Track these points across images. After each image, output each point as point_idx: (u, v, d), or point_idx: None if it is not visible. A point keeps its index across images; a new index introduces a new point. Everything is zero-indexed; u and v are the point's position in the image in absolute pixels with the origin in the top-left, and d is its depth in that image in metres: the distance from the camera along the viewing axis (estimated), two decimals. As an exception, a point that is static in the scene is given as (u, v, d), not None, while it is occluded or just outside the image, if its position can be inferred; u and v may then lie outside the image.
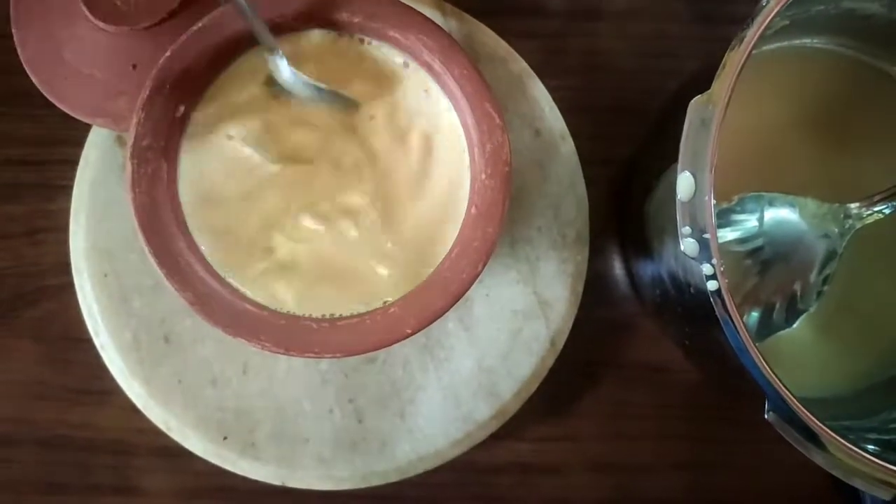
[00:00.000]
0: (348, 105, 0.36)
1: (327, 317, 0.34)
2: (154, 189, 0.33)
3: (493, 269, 0.43)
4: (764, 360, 0.31)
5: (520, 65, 0.44)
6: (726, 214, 0.42)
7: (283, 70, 0.35)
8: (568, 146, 0.44)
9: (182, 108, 0.34)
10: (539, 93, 0.44)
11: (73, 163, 0.43)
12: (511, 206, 0.35)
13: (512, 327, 0.43)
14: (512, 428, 0.43)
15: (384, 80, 0.36)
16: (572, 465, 0.45)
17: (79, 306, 0.42)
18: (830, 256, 0.41)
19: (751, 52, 0.31)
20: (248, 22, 0.33)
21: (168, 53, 0.33)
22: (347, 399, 0.42)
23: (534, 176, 0.44)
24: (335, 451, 0.42)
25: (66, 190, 0.43)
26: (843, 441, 0.31)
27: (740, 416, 0.44)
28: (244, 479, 0.42)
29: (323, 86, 0.36)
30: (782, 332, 0.41)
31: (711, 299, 0.31)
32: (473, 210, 0.35)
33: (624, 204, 0.46)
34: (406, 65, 0.36)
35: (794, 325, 0.41)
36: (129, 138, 0.33)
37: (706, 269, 0.31)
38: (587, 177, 0.44)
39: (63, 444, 0.44)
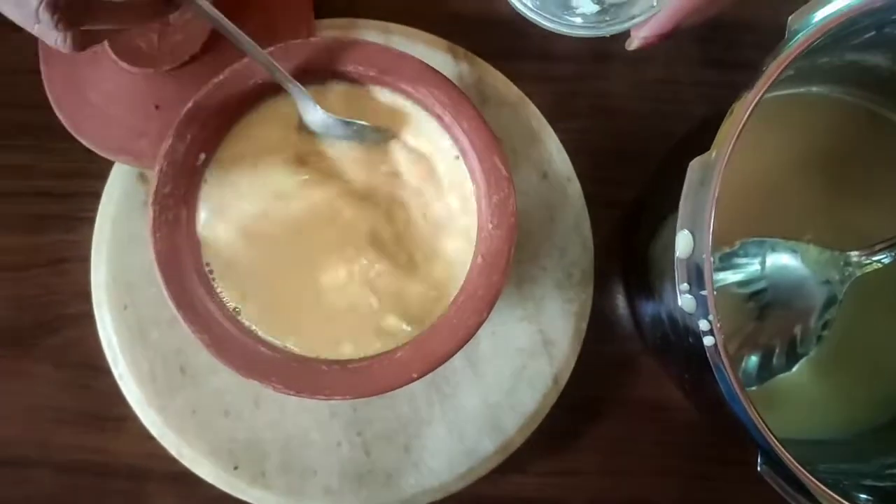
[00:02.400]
0: (383, 137, 0.38)
1: (338, 359, 0.36)
2: (174, 234, 0.35)
3: (499, 307, 0.44)
4: (757, 411, 0.32)
5: (529, 108, 0.45)
6: (729, 258, 0.43)
7: (315, 112, 0.36)
8: (574, 188, 0.45)
9: (203, 156, 0.36)
10: (547, 136, 0.45)
11: (96, 195, 0.45)
12: (518, 245, 0.36)
13: (516, 364, 0.44)
14: (515, 462, 0.44)
15: (398, 129, 0.38)
16: (574, 500, 0.46)
17: (98, 335, 0.44)
18: (831, 302, 0.42)
19: (748, 117, 0.32)
20: (271, 74, 0.34)
21: (190, 105, 0.35)
22: (355, 432, 0.43)
23: (540, 217, 0.45)
24: (342, 483, 0.43)
25: (89, 221, 0.45)
26: (834, 495, 0.32)
27: (739, 455, 0.45)
28: (254, 507, 0.43)
29: (356, 120, 0.37)
30: (782, 376, 0.42)
31: (707, 353, 0.32)
32: (480, 259, 0.36)
33: (628, 246, 0.47)
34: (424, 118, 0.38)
35: (794, 369, 0.42)
36: (151, 185, 0.35)
37: (703, 324, 0.32)
38: (593, 218, 0.45)
39: (79, 468, 0.45)
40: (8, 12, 0.29)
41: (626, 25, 0.39)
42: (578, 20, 0.40)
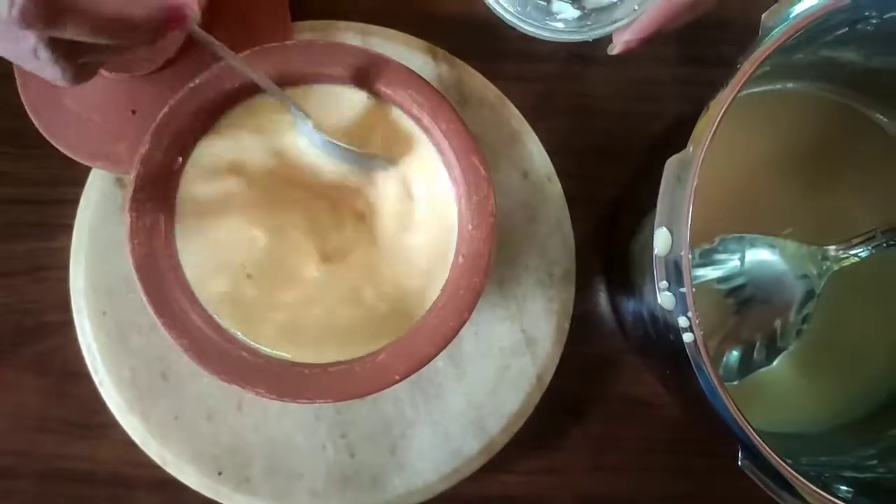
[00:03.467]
0: (377, 165, 0.38)
1: (319, 363, 0.36)
2: (152, 240, 0.34)
3: (481, 307, 0.44)
4: (738, 407, 0.32)
5: (509, 108, 0.45)
6: (708, 254, 0.43)
7: (314, 136, 0.36)
8: (555, 187, 0.45)
9: (180, 160, 0.36)
10: (527, 136, 0.45)
11: (73, 202, 0.44)
12: (499, 245, 0.37)
13: (500, 364, 0.44)
14: (500, 461, 0.44)
15: (377, 131, 0.38)
16: (559, 498, 0.46)
17: (79, 342, 0.44)
18: (809, 296, 0.42)
19: (724, 114, 0.32)
20: (255, 82, 0.34)
21: (166, 109, 0.35)
22: (340, 434, 0.43)
23: (521, 216, 0.45)
24: (328, 486, 0.43)
25: (67, 228, 0.44)
26: (815, 488, 0.32)
27: (721, 450, 0.45)
28: (239, 512, 0.43)
29: (356, 149, 0.37)
30: (762, 370, 0.42)
31: (687, 350, 0.32)
32: (460, 259, 0.36)
33: (609, 243, 0.47)
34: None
35: (774, 363, 0.42)
36: (128, 191, 0.34)
37: (682, 321, 0.32)
38: (574, 216, 0.45)
39: (62, 477, 0.45)
40: (6, 44, 0.28)
41: (608, 29, 0.39)
42: (560, 25, 0.40)
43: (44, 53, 0.28)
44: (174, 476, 0.43)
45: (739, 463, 0.32)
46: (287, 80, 0.36)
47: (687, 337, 0.32)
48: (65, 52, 0.28)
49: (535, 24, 0.40)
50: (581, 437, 0.47)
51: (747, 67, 0.32)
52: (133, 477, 0.45)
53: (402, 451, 0.43)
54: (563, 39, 0.40)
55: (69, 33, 0.27)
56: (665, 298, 0.32)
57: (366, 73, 0.36)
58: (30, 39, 0.27)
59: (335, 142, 0.36)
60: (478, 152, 0.35)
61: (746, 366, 0.42)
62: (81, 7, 0.26)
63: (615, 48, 0.39)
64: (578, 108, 0.47)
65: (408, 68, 0.36)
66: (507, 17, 0.39)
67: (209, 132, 0.37)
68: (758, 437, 0.32)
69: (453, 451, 0.43)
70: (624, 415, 0.47)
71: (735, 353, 0.43)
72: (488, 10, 0.39)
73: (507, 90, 0.46)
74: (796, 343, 0.42)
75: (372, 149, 0.38)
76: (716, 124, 0.32)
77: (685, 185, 0.32)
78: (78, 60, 0.29)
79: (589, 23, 0.40)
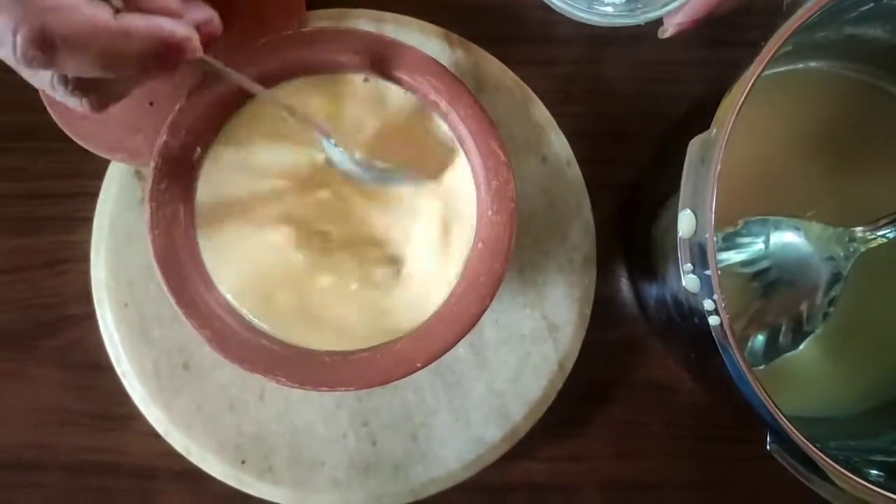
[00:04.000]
0: (414, 183, 0.37)
1: (340, 350, 0.36)
2: (172, 231, 0.34)
3: (501, 294, 0.43)
4: (765, 390, 0.32)
5: (526, 93, 0.45)
6: (732, 238, 0.43)
7: (338, 157, 0.36)
8: (574, 171, 0.45)
9: (198, 150, 0.36)
10: (545, 120, 0.45)
11: (93, 195, 0.45)
12: (519, 231, 0.36)
13: (521, 351, 0.44)
14: (523, 449, 0.44)
15: (395, 118, 0.38)
16: (582, 485, 0.46)
17: (101, 335, 0.44)
18: (836, 279, 0.41)
19: (748, 95, 0.31)
20: (292, 116, 0.34)
21: (183, 100, 0.34)
22: (361, 423, 0.43)
23: (541, 202, 0.44)
24: (350, 474, 0.43)
25: (87, 221, 0.44)
26: (844, 472, 0.31)
27: (747, 435, 0.45)
28: (262, 501, 0.43)
29: (381, 165, 0.37)
30: (789, 354, 0.42)
31: (713, 333, 0.32)
32: (480, 245, 0.35)
33: (630, 228, 0.46)
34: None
35: (801, 347, 0.42)
36: (147, 182, 0.34)
37: (707, 304, 0.32)
38: (593, 201, 0.45)
39: (87, 469, 0.45)
40: (28, 77, 0.30)
41: (659, 12, 0.38)
42: (609, 9, 0.40)
43: (59, 87, 0.29)
44: (198, 466, 0.43)
45: (768, 447, 0.32)
46: (302, 69, 0.36)
47: (713, 320, 0.31)
48: (76, 85, 0.30)
49: (585, 9, 0.39)
50: (604, 424, 0.46)
51: (771, 45, 0.32)
52: (157, 468, 0.45)
53: (423, 439, 0.43)
54: (613, 24, 0.39)
55: (70, 69, 0.28)
56: (690, 281, 0.32)
57: (382, 60, 0.36)
58: (45, 74, 0.29)
59: (357, 161, 0.36)
60: (497, 137, 0.35)
61: (772, 350, 0.42)
62: (71, 45, 0.27)
63: (667, 31, 0.38)
64: (596, 91, 0.47)
65: (425, 54, 0.36)
66: (557, 2, 0.39)
67: (228, 122, 0.37)
68: (787, 421, 0.31)
69: (475, 439, 0.43)
70: (647, 400, 0.46)
71: (760, 338, 0.42)
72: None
73: (525, 75, 0.45)
74: (823, 327, 0.42)
75: (392, 149, 0.37)
76: (739, 105, 0.31)
77: (709, 166, 0.31)
78: (91, 92, 0.30)
79: (639, 6, 0.39)
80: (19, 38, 0.26)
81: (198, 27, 0.31)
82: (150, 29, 0.29)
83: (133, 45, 0.28)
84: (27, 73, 0.29)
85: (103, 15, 0.28)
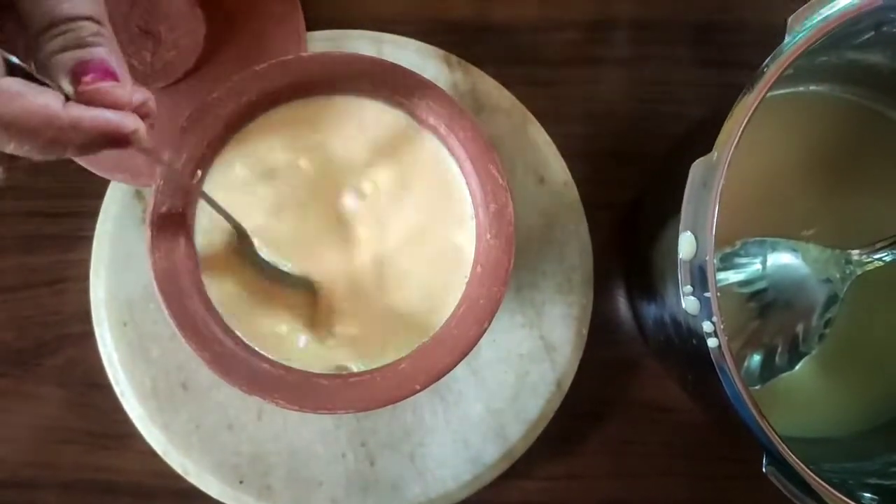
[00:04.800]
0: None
1: (338, 374, 0.36)
2: (172, 253, 0.35)
3: (499, 314, 0.43)
4: (762, 413, 0.32)
5: (524, 113, 0.45)
6: (730, 258, 0.43)
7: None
8: (571, 192, 0.45)
9: (199, 173, 0.36)
10: (543, 140, 0.45)
11: (92, 214, 0.45)
12: (516, 252, 0.36)
13: (519, 371, 0.44)
14: (520, 468, 0.44)
15: (394, 142, 0.38)
16: (580, 504, 0.46)
17: (99, 353, 0.44)
18: (832, 300, 0.42)
19: (749, 119, 0.32)
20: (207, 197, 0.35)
21: (184, 122, 0.35)
22: (359, 442, 0.43)
23: (538, 222, 0.45)
24: (348, 494, 0.43)
25: (86, 241, 0.45)
26: (839, 495, 0.32)
27: (744, 455, 0.45)
28: (260, 521, 0.43)
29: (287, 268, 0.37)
30: (785, 375, 0.42)
31: (711, 355, 0.32)
32: (479, 269, 0.36)
33: (628, 248, 0.47)
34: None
35: (797, 368, 0.42)
36: (148, 205, 0.34)
37: (707, 326, 0.32)
38: (591, 221, 0.45)
39: (85, 488, 0.45)
40: None
41: None
42: None
43: None
44: (196, 485, 0.43)
45: (764, 469, 0.32)
46: (303, 92, 0.36)
47: (711, 342, 0.32)
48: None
49: None
50: (602, 443, 0.46)
51: (773, 71, 0.32)
52: (155, 487, 0.45)
53: (421, 458, 0.43)
54: None
55: (8, 150, 0.27)
56: (689, 303, 0.32)
57: (382, 84, 0.36)
58: None
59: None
60: (495, 161, 0.35)
61: (768, 370, 0.42)
62: (18, 130, 0.26)
63: None
64: (594, 111, 0.47)
65: (423, 77, 0.36)
66: None
67: (228, 144, 0.37)
68: (783, 444, 0.31)
69: (473, 459, 0.43)
70: (645, 420, 0.47)
71: (757, 358, 0.42)
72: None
73: (523, 96, 0.45)
74: (819, 348, 0.42)
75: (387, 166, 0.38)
76: (742, 128, 0.31)
77: (710, 189, 0.32)
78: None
79: None
80: None
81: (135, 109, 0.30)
82: (97, 122, 0.28)
83: (79, 137, 0.28)
84: None
85: (54, 104, 0.27)
